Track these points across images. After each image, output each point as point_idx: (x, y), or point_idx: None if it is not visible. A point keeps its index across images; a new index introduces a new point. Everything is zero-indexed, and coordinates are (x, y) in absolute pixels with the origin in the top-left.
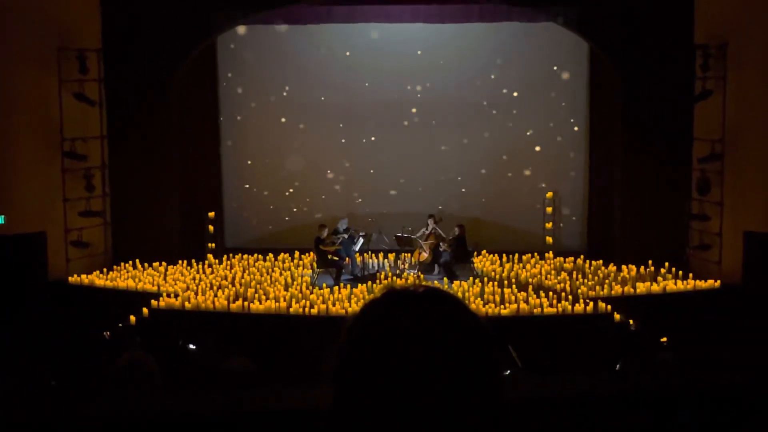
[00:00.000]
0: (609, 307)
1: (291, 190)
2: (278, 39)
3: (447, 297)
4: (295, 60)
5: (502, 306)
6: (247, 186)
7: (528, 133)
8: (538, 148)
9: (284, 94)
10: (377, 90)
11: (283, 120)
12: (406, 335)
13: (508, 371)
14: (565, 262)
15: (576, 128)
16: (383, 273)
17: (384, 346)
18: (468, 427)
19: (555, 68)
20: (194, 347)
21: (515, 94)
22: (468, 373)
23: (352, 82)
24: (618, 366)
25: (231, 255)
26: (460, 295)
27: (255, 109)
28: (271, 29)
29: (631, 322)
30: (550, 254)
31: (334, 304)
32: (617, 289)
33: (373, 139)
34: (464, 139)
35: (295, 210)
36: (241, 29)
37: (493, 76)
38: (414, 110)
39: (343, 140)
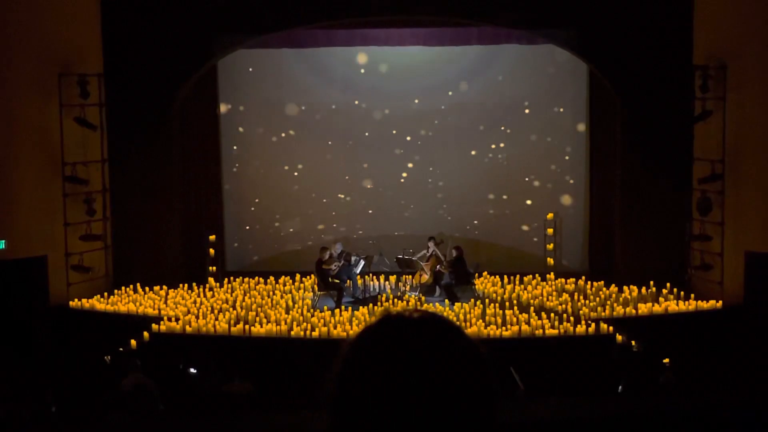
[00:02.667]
0: (611, 328)
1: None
2: (278, 64)
3: (442, 322)
4: (294, 86)
5: (503, 328)
6: (249, 209)
7: (529, 155)
8: (538, 170)
9: (290, 118)
10: (377, 118)
11: (283, 144)
12: (401, 361)
13: (512, 393)
14: (566, 283)
15: (577, 150)
16: (384, 295)
17: (380, 372)
18: None
19: (553, 90)
20: (195, 371)
21: (515, 116)
22: (463, 397)
23: (351, 109)
24: (620, 387)
25: (232, 278)
26: (461, 316)
27: (258, 133)
28: (273, 54)
29: (633, 343)
30: (552, 275)
31: (335, 327)
32: (619, 310)
33: (371, 164)
34: (465, 159)
35: (297, 232)
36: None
37: (492, 99)
38: (417, 133)
39: (345, 166)
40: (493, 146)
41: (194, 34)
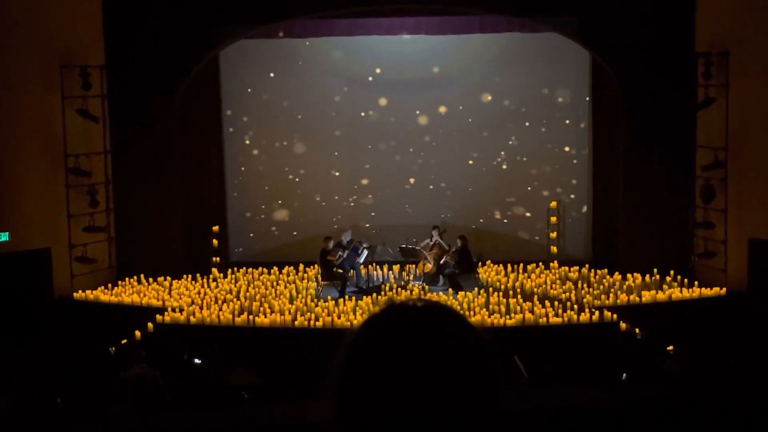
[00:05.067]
0: (614, 316)
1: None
2: (279, 52)
3: (445, 310)
4: (296, 74)
5: (507, 316)
6: (252, 200)
7: (532, 144)
8: (541, 159)
9: (285, 104)
10: (380, 107)
11: (285, 134)
12: (405, 349)
13: (516, 381)
14: (570, 271)
15: (580, 138)
16: (388, 285)
17: (384, 360)
18: None
19: (556, 78)
20: (199, 362)
21: (518, 104)
22: (466, 385)
23: (354, 98)
24: (624, 375)
25: (235, 269)
26: (465, 305)
27: (260, 123)
28: (272, 43)
29: (636, 330)
30: (555, 264)
31: (339, 317)
32: (622, 298)
33: (374, 154)
34: (469, 148)
35: (300, 221)
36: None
37: (495, 87)
38: (419, 122)
39: (347, 155)
40: (496, 135)
41: (196, 25)
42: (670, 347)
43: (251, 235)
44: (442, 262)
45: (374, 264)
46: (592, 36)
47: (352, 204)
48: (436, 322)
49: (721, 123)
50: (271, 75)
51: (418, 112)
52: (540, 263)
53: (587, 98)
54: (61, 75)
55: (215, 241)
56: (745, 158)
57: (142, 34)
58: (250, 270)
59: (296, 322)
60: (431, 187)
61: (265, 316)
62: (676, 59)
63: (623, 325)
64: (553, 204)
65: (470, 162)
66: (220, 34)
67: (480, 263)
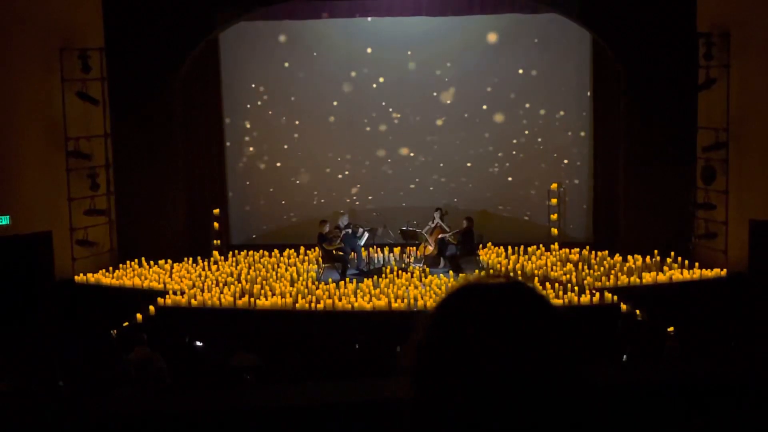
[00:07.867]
0: (615, 297)
1: (297, 181)
2: (279, 35)
3: (526, 290)
4: (297, 58)
5: None
6: (252, 182)
7: (532, 125)
8: (542, 140)
9: (291, 93)
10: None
11: (284, 119)
12: (488, 330)
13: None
14: (570, 253)
15: (580, 119)
16: (389, 267)
17: (466, 341)
18: (556, 417)
19: (558, 59)
20: (201, 344)
21: (519, 87)
22: (553, 363)
23: (355, 79)
24: (624, 356)
25: (236, 251)
26: None
27: (259, 107)
28: (273, 24)
29: (637, 312)
30: (556, 245)
31: (340, 299)
32: (623, 280)
33: (378, 135)
34: (469, 131)
35: (300, 205)
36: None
37: (495, 69)
38: (420, 105)
39: (349, 137)
40: (497, 117)
41: (195, 6)
42: (671, 328)
43: (252, 216)
44: (444, 237)
45: (375, 246)
46: (592, 16)
47: (353, 185)
48: (517, 303)
49: (722, 104)
50: (273, 58)
51: (417, 94)
52: (541, 245)
53: (588, 80)
54: (61, 57)
55: (216, 224)
56: (746, 139)
57: (142, 16)
58: (250, 253)
59: (297, 305)
60: (432, 169)
61: (266, 299)
62: (677, 40)
63: (624, 307)
64: (554, 186)
65: (471, 144)
66: (219, 16)
67: (480, 245)
